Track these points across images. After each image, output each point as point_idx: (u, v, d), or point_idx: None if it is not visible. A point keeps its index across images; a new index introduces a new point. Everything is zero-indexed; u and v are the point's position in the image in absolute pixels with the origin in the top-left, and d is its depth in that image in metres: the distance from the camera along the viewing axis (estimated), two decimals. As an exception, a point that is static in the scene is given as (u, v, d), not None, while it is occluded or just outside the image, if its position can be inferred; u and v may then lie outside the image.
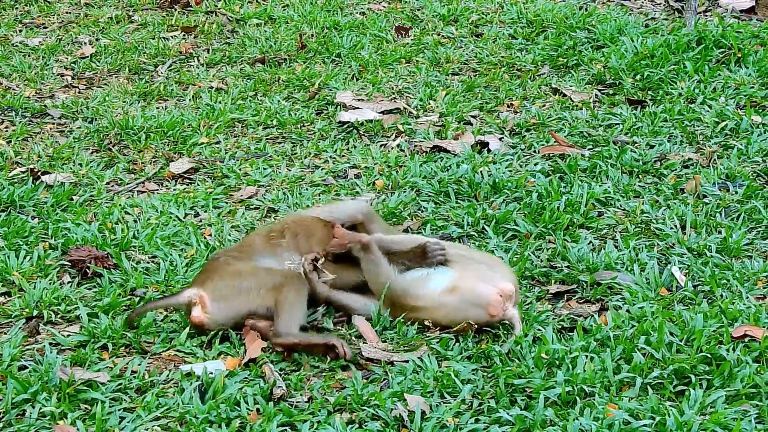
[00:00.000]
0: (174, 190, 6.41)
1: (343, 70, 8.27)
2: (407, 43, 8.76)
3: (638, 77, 7.79)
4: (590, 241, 5.70)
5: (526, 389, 4.43)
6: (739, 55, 7.97)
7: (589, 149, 6.76)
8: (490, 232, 5.77)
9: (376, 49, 8.66)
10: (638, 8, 9.57)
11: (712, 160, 6.56)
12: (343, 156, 6.84)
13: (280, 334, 4.73)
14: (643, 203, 6.06)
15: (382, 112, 7.42)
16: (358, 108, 7.46)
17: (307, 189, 6.33)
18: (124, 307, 5.08)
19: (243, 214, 6.03)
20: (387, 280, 4.98)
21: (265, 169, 6.62)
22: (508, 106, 7.56)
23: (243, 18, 9.50)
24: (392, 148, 6.92)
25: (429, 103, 7.59)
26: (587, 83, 7.89)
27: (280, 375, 4.53)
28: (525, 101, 7.63)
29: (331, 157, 6.82)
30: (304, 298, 4.92)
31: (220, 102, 7.64)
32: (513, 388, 4.44)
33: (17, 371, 4.55)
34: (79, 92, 7.99)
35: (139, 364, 4.64)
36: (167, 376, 4.59)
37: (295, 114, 7.44)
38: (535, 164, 6.56)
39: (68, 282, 5.33)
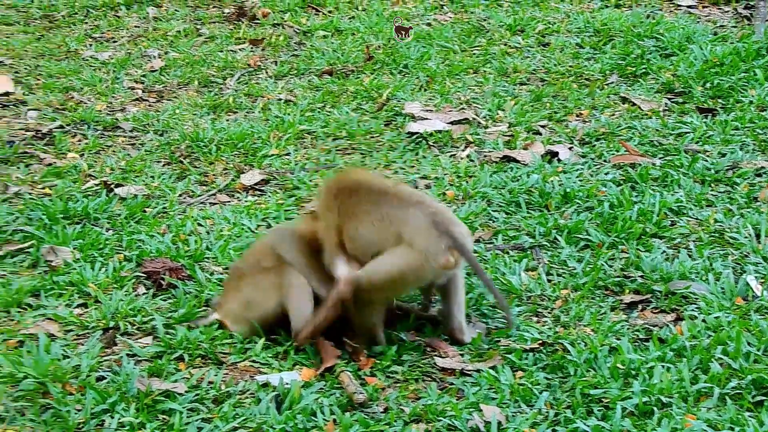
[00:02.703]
0: (245, 201, 6.44)
1: (410, 80, 8.28)
2: (474, 54, 8.76)
3: (708, 85, 7.74)
4: (663, 251, 5.66)
5: (603, 399, 4.42)
6: (810, 62, 7.90)
7: (659, 158, 6.72)
8: (563, 242, 5.75)
9: (443, 59, 8.67)
10: (706, 16, 9.50)
11: (785, 169, 6.52)
12: (413, 167, 6.84)
13: (296, 333, 4.89)
14: (716, 212, 6.01)
15: (451, 123, 7.42)
16: (426, 119, 7.47)
17: (377, 200, 6.34)
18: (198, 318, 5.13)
19: (314, 225, 6.05)
20: None
21: (335, 180, 6.63)
22: (577, 116, 7.53)
23: (310, 30, 9.54)
24: (462, 159, 6.91)
25: (497, 113, 7.59)
26: (656, 92, 7.85)
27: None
28: (594, 110, 7.60)
29: (400, 167, 6.83)
30: (305, 290, 4.97)
31: (289, 114, 7.67)
32: (589, 398, 4.43)
33: (96, 382, 4.60)
34: (149, 105, 8.05)
35: (216, 375, 4.67)
36: (243, 386, 4.61)
37: (364, 125, 7.45)
38: (606, 173, 6.53)
39: (143, 293, 5.38)
